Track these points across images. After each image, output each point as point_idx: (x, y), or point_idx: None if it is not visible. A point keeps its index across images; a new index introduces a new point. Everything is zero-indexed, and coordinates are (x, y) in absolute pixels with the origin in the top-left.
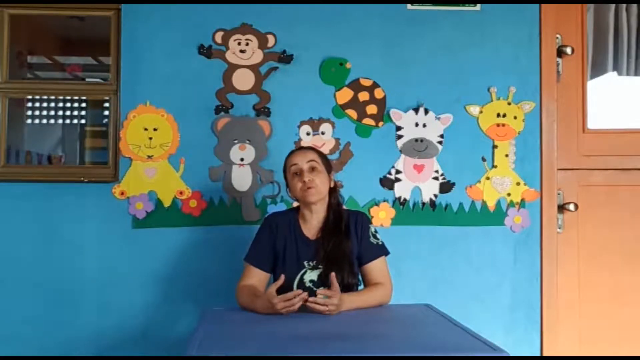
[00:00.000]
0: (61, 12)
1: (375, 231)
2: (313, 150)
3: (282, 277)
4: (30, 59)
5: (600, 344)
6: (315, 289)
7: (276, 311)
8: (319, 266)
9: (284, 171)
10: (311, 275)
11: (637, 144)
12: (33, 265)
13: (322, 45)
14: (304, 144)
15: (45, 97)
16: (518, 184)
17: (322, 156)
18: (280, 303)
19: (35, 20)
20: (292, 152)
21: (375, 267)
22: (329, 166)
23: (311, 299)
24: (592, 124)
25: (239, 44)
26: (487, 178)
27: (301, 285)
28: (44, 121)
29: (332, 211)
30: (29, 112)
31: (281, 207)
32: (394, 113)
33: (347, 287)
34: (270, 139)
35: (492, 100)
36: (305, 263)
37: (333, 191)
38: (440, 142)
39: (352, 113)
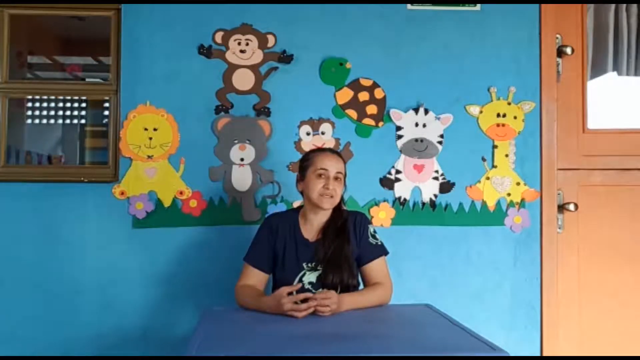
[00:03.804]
0: (61, 12)
1: (375, 231)
2: (341, 159)
3: (299, 285)
4: (30, 59)
5: (600, 343)
6: (314, 291)
7: (282, 311)
8: (318, 268)
9: (304, 166)
10: (310, 277)
11: (637, 144)
12: (33, 265)
13: (322, 45)
14: (304, 144)
15: (45, 97)
16: (518, 184)
17: (345, 167)
18: (288, 304)
19: (35, 20)
20: (323, 153)
21: (375, 267)
22: (345, 175)
23: (312, 301)
24: (592, 124)
25: (239, 44)
26: (487, 178)
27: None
28: (44, 121)
29: (336, 216)
30: (29, 112)
31: (281, 207)
32: (394, 113)
33: (347, 289)
34: (270, 139)
35: (492, 100)
36: (305, 265)
37: (341, 199)
38: (440, 142)
39: (352, 113)
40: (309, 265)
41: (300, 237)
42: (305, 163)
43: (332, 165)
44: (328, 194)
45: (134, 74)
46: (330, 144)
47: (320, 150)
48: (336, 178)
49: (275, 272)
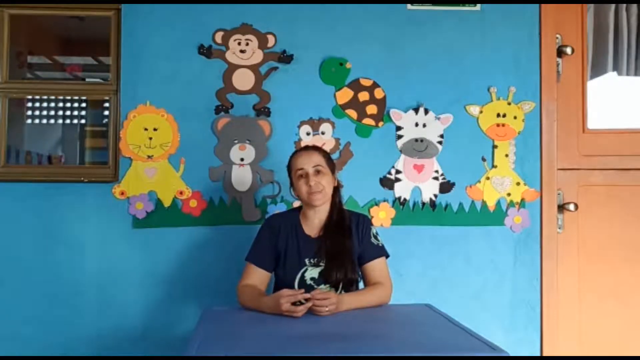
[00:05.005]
0: (61, 12)
1: (377, 233)
2: (318, 151)
3: (302, 290)
4: (30, 59)
5: (600, 344)
6: (315, 286)
7: (280, 312)
8: (320, 264)
9: (289, 172)
10: (312, 273)
11: (637, 144)
12: (33, 265)
13: (322, 45)
14: (304, 144)
15: (45, 97)
16: (518, 184)
17: (327, 157)
18: (286, 305)
19: (35, 20)
20: (296, 154)
21: (376, 267)
22: (332, 166)
23: (312, 297)
24: (592, 124)
25: (239, 44)
26: (487, 178)
27: (302, 282)
28: (44, 121)
29: (336, 210)
30: (29, 112)
31: (281, 207)
32: (394, 113)
33: (349, 283)
34: (270, 139)
35: (492, 100)
36: (307, 260)
37: (336, 190)
38: (440, 142)
39: (352, 113)
40: (311, 261)
41: (302, 233)
42: (288, 170)
43: (305, 162)
44: (314, 189)
45: (134, 74)
46: (330, 144)
47: (295, 152)
48: (317, 172)
49: (277, 270)
